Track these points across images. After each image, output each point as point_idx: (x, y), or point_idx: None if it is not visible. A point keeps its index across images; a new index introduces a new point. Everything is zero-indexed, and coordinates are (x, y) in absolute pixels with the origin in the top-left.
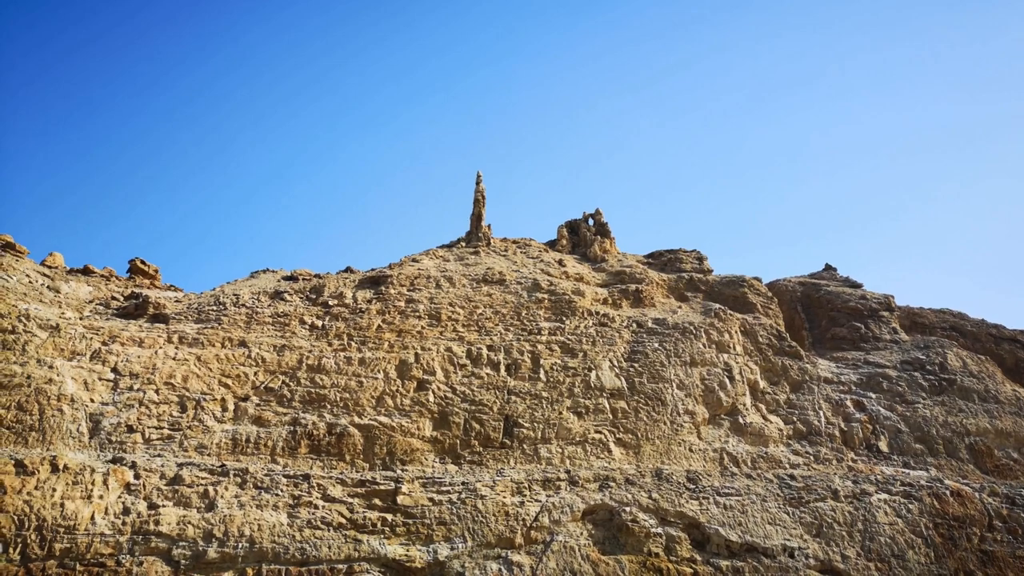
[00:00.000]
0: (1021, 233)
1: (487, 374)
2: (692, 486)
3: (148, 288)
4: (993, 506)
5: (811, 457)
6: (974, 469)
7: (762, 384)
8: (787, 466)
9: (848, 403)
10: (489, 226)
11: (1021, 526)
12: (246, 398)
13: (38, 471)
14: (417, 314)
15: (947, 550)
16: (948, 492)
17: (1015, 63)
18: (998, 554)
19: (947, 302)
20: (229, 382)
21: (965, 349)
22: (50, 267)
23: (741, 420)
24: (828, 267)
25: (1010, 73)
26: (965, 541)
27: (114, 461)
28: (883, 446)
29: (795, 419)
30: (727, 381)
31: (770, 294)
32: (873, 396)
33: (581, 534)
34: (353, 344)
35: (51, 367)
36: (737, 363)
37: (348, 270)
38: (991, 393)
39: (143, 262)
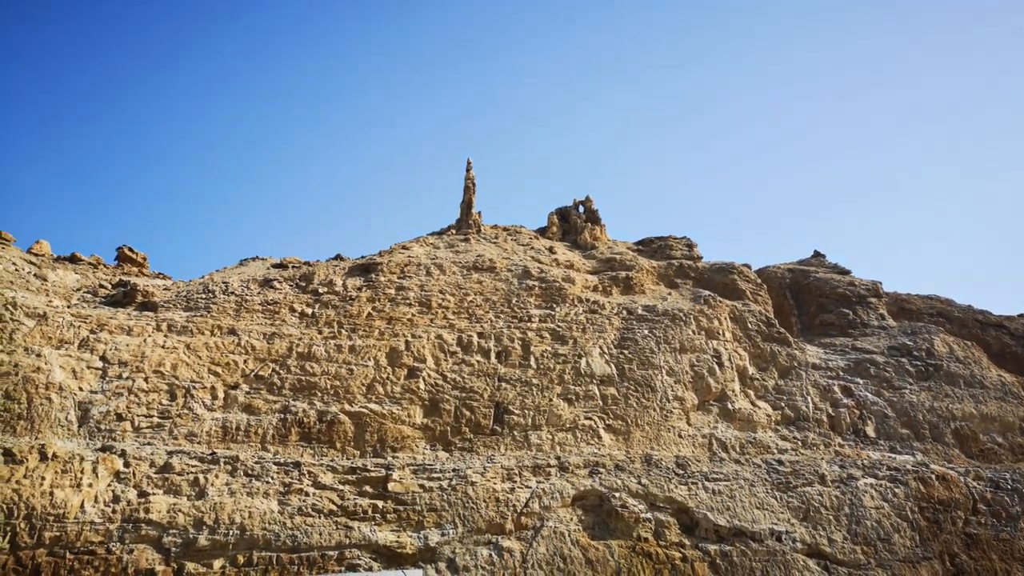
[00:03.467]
0: (1009, 219)
1: (477, 361)
2: (681, 471)
3: (136, 276)
4: (978, 490)
5: (799, 442)
6: (959, 453)
7: (751, 370)
8: (775, 451)
9: (836, 389)
10: (479, 213)
11: (1005, 509)
12: (236, 386)
13: (27, 460)
14: (407, 301)
15: (932, 533)
16: (934, 476)
17: (995, 44)
18: (982, 537)
19: (935, 288)
20: (219, 370)
21: (952, 335)
22: (37, 255)
23: (730, 406)
24: (817, 254)
25: (991, 56)
26: (950, 524)
27: (103, 449)
28: (870, 431)
29: (783, 405)
30: (716, 367)
31: (759, 281)
32: (860, 382)
33: (571, 520)
34: (343, 332)
35: (39, 355)
36: (726, 349)
37: (338, 258)
38: (977, 378)
39: (131, 250)
